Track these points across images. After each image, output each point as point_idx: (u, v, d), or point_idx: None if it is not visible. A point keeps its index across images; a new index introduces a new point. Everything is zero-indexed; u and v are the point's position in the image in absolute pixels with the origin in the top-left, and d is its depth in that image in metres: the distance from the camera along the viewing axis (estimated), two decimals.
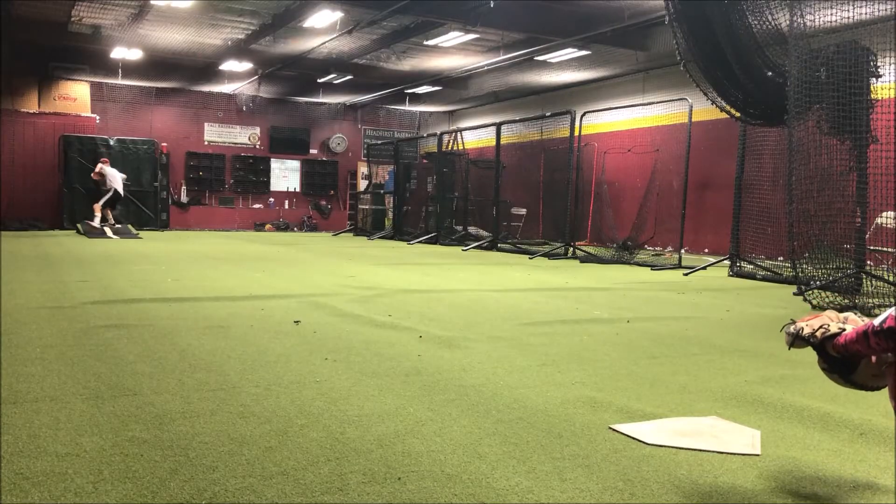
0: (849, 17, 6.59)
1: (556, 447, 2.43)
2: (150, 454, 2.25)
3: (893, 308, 1.74)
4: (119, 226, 16.75)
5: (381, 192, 20.40)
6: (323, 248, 13.39)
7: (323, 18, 13.07)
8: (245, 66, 17.14)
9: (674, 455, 2.38)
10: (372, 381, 3.25)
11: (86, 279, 7.06)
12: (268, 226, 21.73)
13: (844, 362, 1.96)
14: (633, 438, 2.53)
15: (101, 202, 16.35)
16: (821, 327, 1.99)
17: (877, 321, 1.77)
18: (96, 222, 16.20)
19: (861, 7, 6.62)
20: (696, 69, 7.85)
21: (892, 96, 6.92)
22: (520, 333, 4.61)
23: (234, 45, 15.67)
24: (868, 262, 7.46)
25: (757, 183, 9.31)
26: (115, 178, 16.45)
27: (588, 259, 11.62)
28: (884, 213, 8.00)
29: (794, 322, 2.07)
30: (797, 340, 2.03)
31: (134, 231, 16.72)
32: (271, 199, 22.22)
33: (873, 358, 1.91)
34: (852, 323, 1.98)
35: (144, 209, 19.11)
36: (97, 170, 16.46)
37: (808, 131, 6.94)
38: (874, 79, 6.97)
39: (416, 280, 7.88)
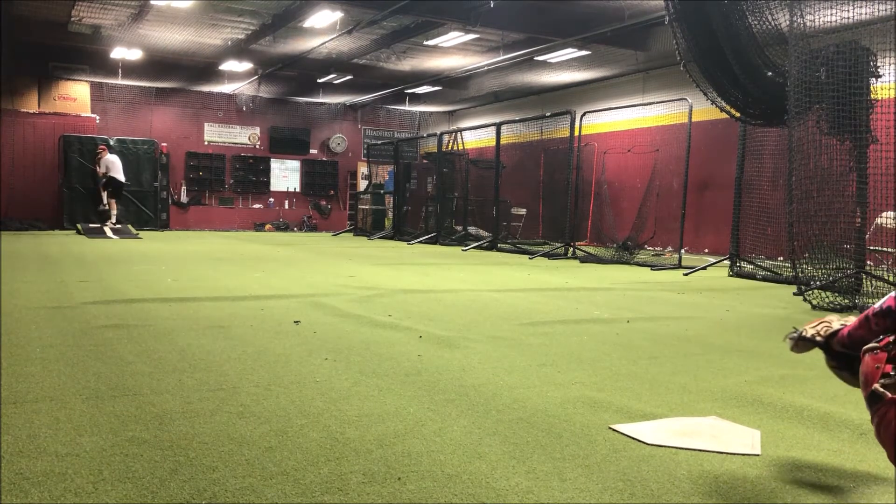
0: (849, 17, 6.59)
1: (556, 447, 2.43)
2: (150, 454, 2.24)
3: (894, 291, 1.76)
4: (119, 226, 16.83)
5: (381, 192, 20.40)
6: (323, 248, 13.39)
7: (323, 18, 13.07)
8: (245, 66, 17.15)
9: (674, 455, 2.38)
10: (372, 381, 3.25)
11: (86, 279, 7.05)
12: (268, 226, 21.72)
13: (850, 358, 1.96)
14: (633, 438, 2.53)
15: (106, 194, 16.67)
16: (822, 325, 2.00)
17: (877, 304, 1.79)
18: (114, 215, 16.55)
19: (861, 7, 6.62)
20: (696, 69, 7.85)
21: (892, 96, 6.91)
22: (519, 333, 4.61)
23: (234, 45, 15.67)
24: (868, 262, 7.46)
25: (757, 183, 9.31)
26: (115, 166, 16.65)
27: (588, 259, 11.62)
28: (884, 213, 8.00)
29: (796, 330, 2.08)
30: (801, 342, 2.04)
31: (134, 231, 16.75)
32: (271, 199, 22.22)
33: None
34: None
35: (144, 209, 19.11)
36: (101, 166, 16.72)
37: (808, 131, 6.93)
38: (874, 79, 6.97)
39: (416, 280, 7.88)
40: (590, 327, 4.95)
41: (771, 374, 3.62)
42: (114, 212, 16.98)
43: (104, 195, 16.97)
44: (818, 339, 2.00)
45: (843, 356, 1.97)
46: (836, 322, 2.00)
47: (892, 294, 1.75)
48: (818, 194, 6.88)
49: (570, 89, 17.90)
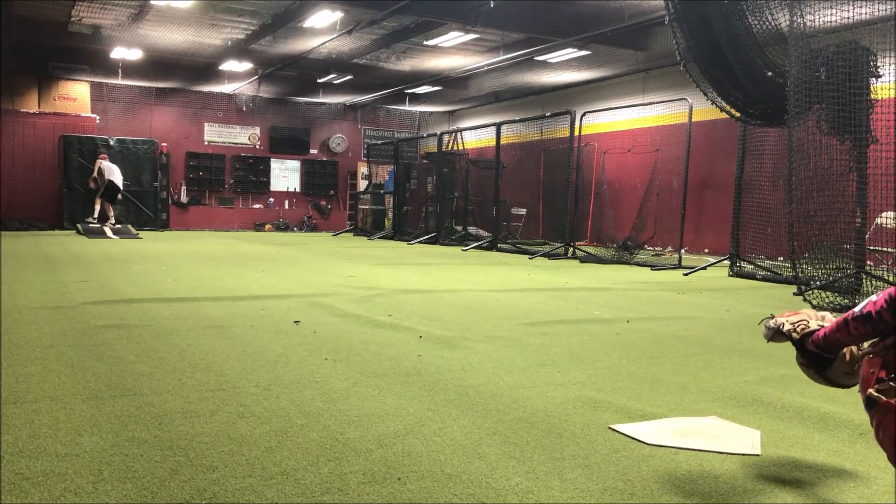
0: (849, 17, 6.59)
1: (556, 447, 2.43)
2: (150, 454, 2.25)
3: (873, 296, 1.75)
4: (119, 226, 16.83)
5: (381, 192, 20.40)
6: (323, 248, 13.39)
7: (323, 18, 13.07)
8: (245, 66, 17.14)
9: (674, 455, 2.38)
10: (372, 381, 3.25)
11: (86, 279, 7.05)
12: (268, 226, 21.73)
13: (821, 358, 1.99)
14: (633, 438, 2.53)
15: (99, 193, 16.74)
16: (800, 322, 2.02)
17: (857, 308, 1.79)
18: (96, 214, 16.53)
19: (861, 7, 6.62)
20: (696, 69, 7.86)
21: (892, 96, 6.92)
22: (520, 333, 4.61)
23: (234, 45, 15.67)
24: (868, 262, 7.46)
25: (757, 183, 9.31)
26: (112, 171, 16.69)
27: (588, 259, 11.62)
28: (884, 213, 8.00)
29: (773, 317, 2.09)
30: (777, 335, 2.06)
31: (134, 231, 16.75)
32: (271, 199, 22.22)
33: (847, 356, 1.94)
34: (829, 322, 2.00)
35: (144, 209, 19.11)
36: (95, 171, 16.76)
37: (808, 131, 6.94)
38: (874, 79, 6.97)
39: (416, 280, 7.88)
40: (590, 327, 4.95)
41: (771, 374, 3.63)
42: (111, 213, 16.97)
43: (97, 200, 16.94)
44: (794, 335, 2.01)
45: (814, 355, 1.99)
46: (813, 322, 2.02)
47: (872, 298, 1.75)
48: (818, 194, 6.88)
49: (570, 89, 17.90)
